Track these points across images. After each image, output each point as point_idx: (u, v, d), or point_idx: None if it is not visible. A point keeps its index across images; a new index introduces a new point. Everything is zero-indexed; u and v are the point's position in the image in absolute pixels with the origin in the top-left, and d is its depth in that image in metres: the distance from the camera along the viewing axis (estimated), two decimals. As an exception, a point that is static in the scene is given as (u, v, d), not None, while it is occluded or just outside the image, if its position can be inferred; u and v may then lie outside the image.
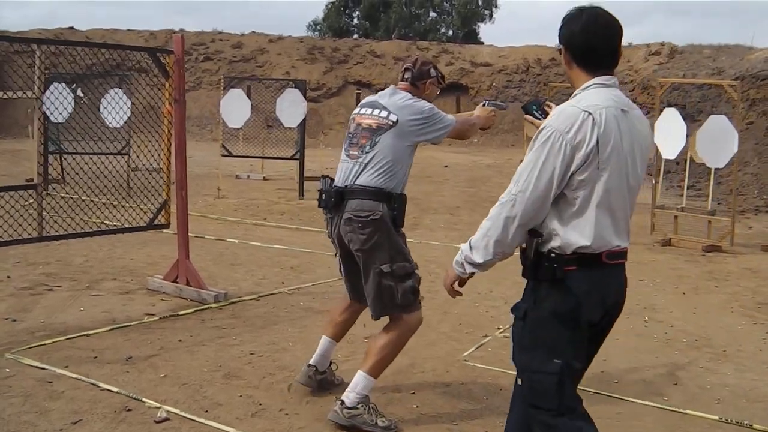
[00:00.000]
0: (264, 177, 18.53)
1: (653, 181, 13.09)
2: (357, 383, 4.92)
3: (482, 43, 39.40)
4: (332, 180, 5.09)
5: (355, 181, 4.89)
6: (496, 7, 46.25)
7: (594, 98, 3.39)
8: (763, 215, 16.24)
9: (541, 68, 32.46)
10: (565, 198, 3.37)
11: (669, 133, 12.24)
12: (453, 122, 5.23)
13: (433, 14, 46.63)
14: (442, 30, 46.09)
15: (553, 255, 3.38)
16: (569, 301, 3.37)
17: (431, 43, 35.59)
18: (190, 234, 8.34)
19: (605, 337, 3.68)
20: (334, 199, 4.91)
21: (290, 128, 17.03)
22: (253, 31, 35.29)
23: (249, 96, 16.68)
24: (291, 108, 15.82)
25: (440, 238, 12.03)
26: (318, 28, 46.81)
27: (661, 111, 12.75)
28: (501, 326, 7.50)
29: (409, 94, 5.13)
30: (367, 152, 4.93)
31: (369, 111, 5.09)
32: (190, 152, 9.20)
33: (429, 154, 26.01)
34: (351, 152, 5.02)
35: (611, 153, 3.33)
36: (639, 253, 11.49)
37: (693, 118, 24.61)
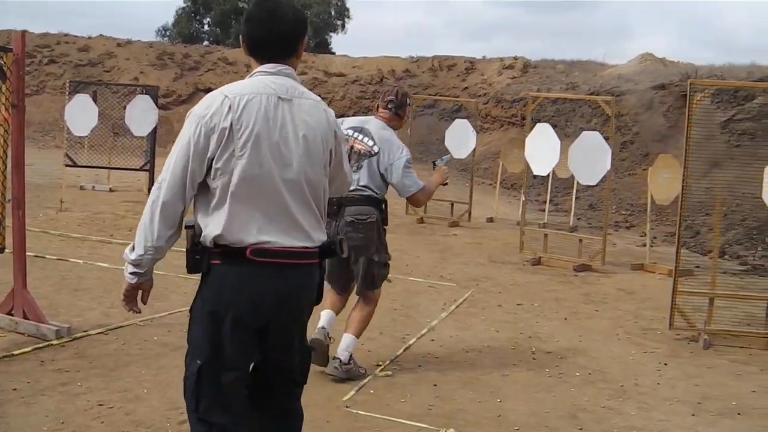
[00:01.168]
0: (110, 188, 17.19)
1: (522, 198, 12.58)
2: (347, 344, 6.24)
3: (334, 53, 38.70)
4: None
5: (352, 192, 5.81)
6: (348, 17, 45.73)
7: (244, 85, 3.35)
8: (624, 231, 16.05)
9: (395, 79, 31.96)
10: (207, 188, 3.27)
11: (540, 148, 11.76)
12: (420, 186, 6.24)
13: (284, 23, 45.57)
14: (293, 39, 45.06)
15: (200, 247, 3.27)
16: (211, 297, 3.29)
17: (284, 52, 34.69)
18: (28, 254, 7.24)
19: (290, 346, 3.45)
20: (336, 206, 5.93)
21: (140, 137, 15.81)
22: (101, 34, 33.67)
23: (95, 102, 15.39)
24: (141, 116, 14.58)
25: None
26: (167, 33, 45.24)
27: (533, 126, 12.24)
28: (380, 362, 6.71)
29: (395, 136, 6.35)
30: (356, 171, 6.06)
31: (360, 137, 6.21)
32: (30, 160, 8.14)
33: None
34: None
35: (250, 141, 3.22)
36: (511, 273, 10.96)
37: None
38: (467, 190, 16.66)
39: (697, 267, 12.09)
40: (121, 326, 7.20)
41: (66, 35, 33.16)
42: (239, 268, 3.24)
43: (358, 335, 6.35)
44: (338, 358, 6.19)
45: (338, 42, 64.91)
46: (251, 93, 3.27)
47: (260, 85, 3.32)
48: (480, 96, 28.02)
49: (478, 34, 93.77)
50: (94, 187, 17.26)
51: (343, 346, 6.24)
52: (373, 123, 6.32)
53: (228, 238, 3.22)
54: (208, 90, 32.34)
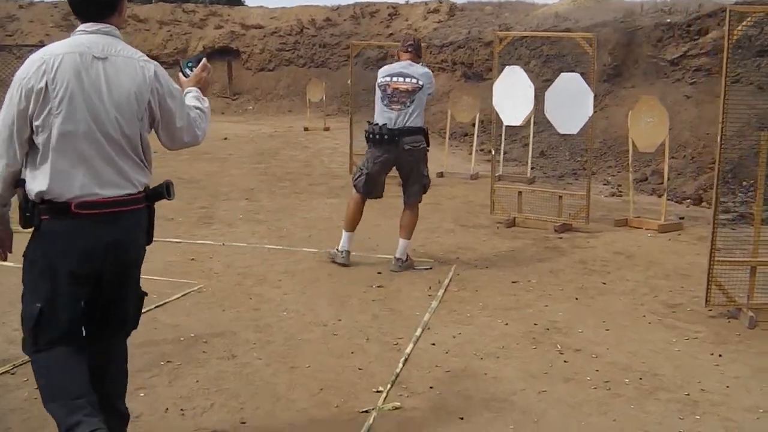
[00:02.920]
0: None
1: (492, 152, 10.96)
2: (403, 246, 7.92)
3: (247, 6, 36.42)
4: (377, 125, 7.71)
5: (405, 124, 7.62)
6: (260, -32, 43.27)
7: (62, 44, 3.48)
8: (585, 180, 14.52)
9: (316, 29, 29.99)
10: (34, 145, 3.41)
11: (511, 95, 10.14)
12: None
13: (195, -23, 43.15)
14: (206, -7, 42.78)
15: (31, 204, 3.42)
16: (44, 251, 3.45)
17: (198, 6, 32.35)
18: None
19: (123, 291, 3.70)
20: (389, 137, 7.62)
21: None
22: (0, -4, 30.95)
23: None
24: None
25: (245, 235, 9.41)
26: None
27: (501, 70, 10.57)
28: (380, 387, 5.06)
29: (419, 64, 7.98)
30: (408, 106, 7.61)
31: (401, 79, 7.69)
32: None
33: (203, 126, 23.23)
34: (393, 106, 7.64)
35: (66, 98, 3.36)
36: (489, 240, 9.39)
37: (481, 77, 23.04)
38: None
39: (682, 219, 10.72)
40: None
41: (-40, -2, 30.39)
42: (66, 223, 3.41)
43: (410, 238, 8.01)
44: (399, 259, 7.88)
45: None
46: (66, 52, 3.41)
47: (76, 44, 3.46)
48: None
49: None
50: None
51: (401, 249, 7.91)
52: (406, 65, 7.85)
53: (51, 193, 3.38)
54: (119, 49, 30.37)
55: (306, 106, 23.39)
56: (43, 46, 11.73)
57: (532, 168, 14.63)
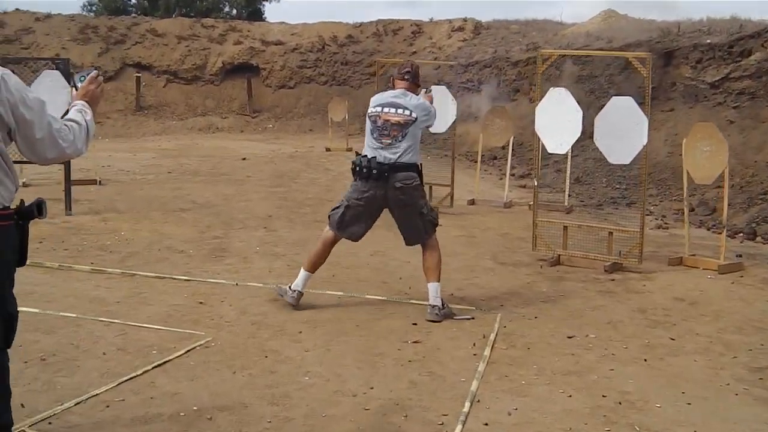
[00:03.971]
0: (24, 182, 14.14)
1: (535, 184, 9.88)
2: (435, 291, 6.98)
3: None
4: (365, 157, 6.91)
5: (397, 160, 6.85)
6: (281, -16, 42.47)
7: None
8: (625, 210, 13.40)
9: (338, 46, 29.12)
10: None
11: (556, 120, 9.09)
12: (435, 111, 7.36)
13: (215, -7, 42.30)
14: (226, 9, 41.85)
15: None
16: None
17: (217, 21, 31.48)
18: None
19: None
20: (378, 172, 6.80)
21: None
22: (17, 9, 30.05)
23: None
24: (50, 95, 11.26)
25: (262, 273, 8.36)
26: (93, 8, 41.47)
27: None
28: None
29: (414, 94, 7.14)
30: (400, 141, 6.88)
31: (393, 110, 6.96)
32: None
33: (219, 144, 22.25)
34: (383, 140, 6.90)
35: None
36: (533, 282, 8.33)
37: (509, 98, 22.02)
38: (440, 168, 14.03)
39: (739, 256, 9.63)
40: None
41: (-22, 11, 29.52)
42: None
43: (439, 279, 7.03)
44: (435, 306, 6.93)
45: (272, 11, 61.59)
46: None
47: None
48: (433, 61, 25.26)
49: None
50: (2, 180, 14.20)
51: (433, 294, 6.97)
52: (399, 94, 7.06)
53: None
54: (137, 65, 29.55)
55: (327, 125, 22.44)
56: (59, 59, 10.54)
57: (569, 196, 13.59)
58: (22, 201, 3.51)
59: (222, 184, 14.68)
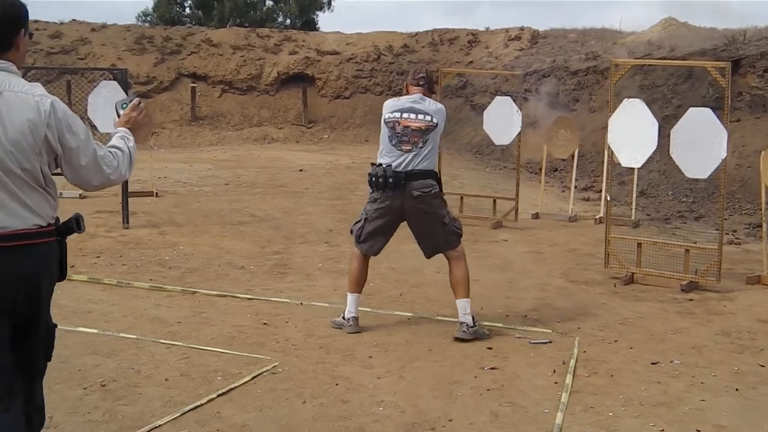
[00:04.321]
0: (81, 194, 14.05)
1: (607, 198, 9.48)
2: (465, 308, 6.57)
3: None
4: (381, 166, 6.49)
5: (416, 167, 6.44)
6: (335, -6, 42.26)
7: None
8: (694, 224, 12.93)
9: (393, 56, 28.84)
10: None
11: (630, 133, 8.71)
12: None
13: (269, 2, 42.26)
14: (280, 19, 41.84)
15: None
16: None
17: (272, 31, 31.37)
18: None
19: (35, 323, 3.49)
20: (394, 180, 6.39)
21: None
22: (74, 19, 30.18)
23: (69, 92, 12.02)
24: (107, 106, 11.11)
25: (326, 291, 8.08)
26: (149, 19, 41.68)
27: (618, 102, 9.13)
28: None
29: (432, 99, 6.75)
30: (421, 147, 6.48)
31: (413, 116, 6.54)
32: None
33: (275, 155, 22.08)
34: (404, 147, 6.48)
35: None
36: (608, 302, 7.93)
37: (569, 108, 21.58)
38: (504, 181, 13.66)
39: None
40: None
41: (36, 21, 29.54)
42: None
43: (468, 295, 6.64)
44: (464, 323, 6.55)
45: (325, 20, 61.46)
46: None
47: None
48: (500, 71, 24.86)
49: (463, 9, 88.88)
50: (61, 193, 13.96)
51: (463, 311, 6.58)
52: (417, 99, 6.66)
53: None
54: (193, 75, 29.49)
55: (384, 135, 22.14)
56: (117, 69, 10.33)
57: (627, 206, 13.17)
58: (57, 218, 3.56)
59: (280, 197, 14.46)
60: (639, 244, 8.93)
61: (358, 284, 6.77)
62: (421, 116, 6.53)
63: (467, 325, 6.52)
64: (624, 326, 7.11)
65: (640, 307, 7.77)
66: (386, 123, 6.62)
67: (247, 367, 5.75)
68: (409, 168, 6.45)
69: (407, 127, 6.51)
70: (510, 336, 6.66)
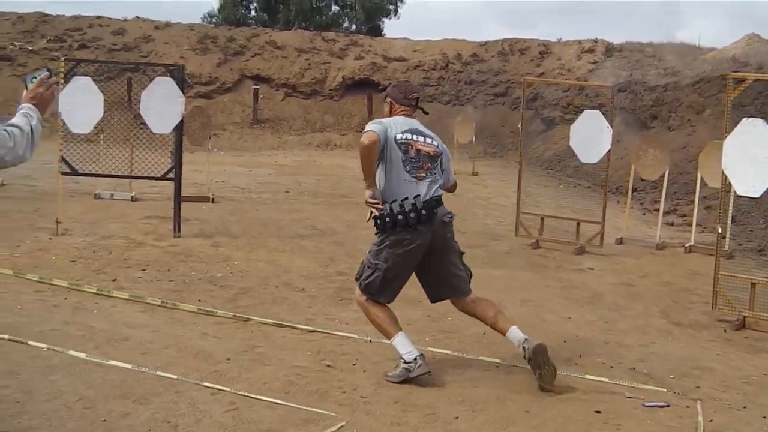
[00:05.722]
0: (133, 196, 13.15)
1: (719, 231, 8.28)
2: (519, 332, 5.63)
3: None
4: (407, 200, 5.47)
5: (435, 193, 5.59)
6: (401, 1, 41.23)
7: None
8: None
9: (462, 65, 27.74)
10: None
11: (747, 158, 7.52)
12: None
13: (335, 7, 41.40)
14: (345, 24, 40.95)
15: None
16: None
17: (338, 35, 30.45)
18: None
19: None
20: (426, 212, 5.47)
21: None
22: (138, 17, 29.55)
23: (130, 89, 11.06)
24: (163, 104, 9.98)
25: (397, 321, 7.01)
26: (213, 20, 41.08)
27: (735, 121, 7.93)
28: None
29: None
30: (434, 173, 5.65)
31: (422, 139, 5.63)
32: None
33: (338, 162, 21.11)
34: (419, 174, 5.56)
35: None
36: (723, 353, 6.76)
37: (645, 125, 20.35)
38: (580, 201, 12.51)
39: None
40: None
41: (99, 17, 28.94)
42: None
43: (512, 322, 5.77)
44: (526, 347, 5.55)
45: (391, 27, 60.59)
46: None
47: None
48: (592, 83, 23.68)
49: (525, 20, 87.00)
50: (112, 195, 13.14)
51: (521, 339, 5.61)
52: (417, 122, 5.79)
53: None
54: (256, 77, 28.55)
55: (452, 146, 21.08)
56: (174, 65, 9.31)
57: (724, 236, 11.90)
58: None
59: (342, 208, 13.45)
60: (753, 284, 7.74)
61: (396, 323, 5.71)
62: (429, 140, 5.69)
63: (529, 342, 5.54)
64: (749, 386, 5.93)
65: (761, 361, 6.58)
66: (397, 144, 5.55)
67: (307, 426, 4.66)
68: (431, 195, 5.57)
69: (419, 151, 5.60)
70: (619, 395, 5.49)
